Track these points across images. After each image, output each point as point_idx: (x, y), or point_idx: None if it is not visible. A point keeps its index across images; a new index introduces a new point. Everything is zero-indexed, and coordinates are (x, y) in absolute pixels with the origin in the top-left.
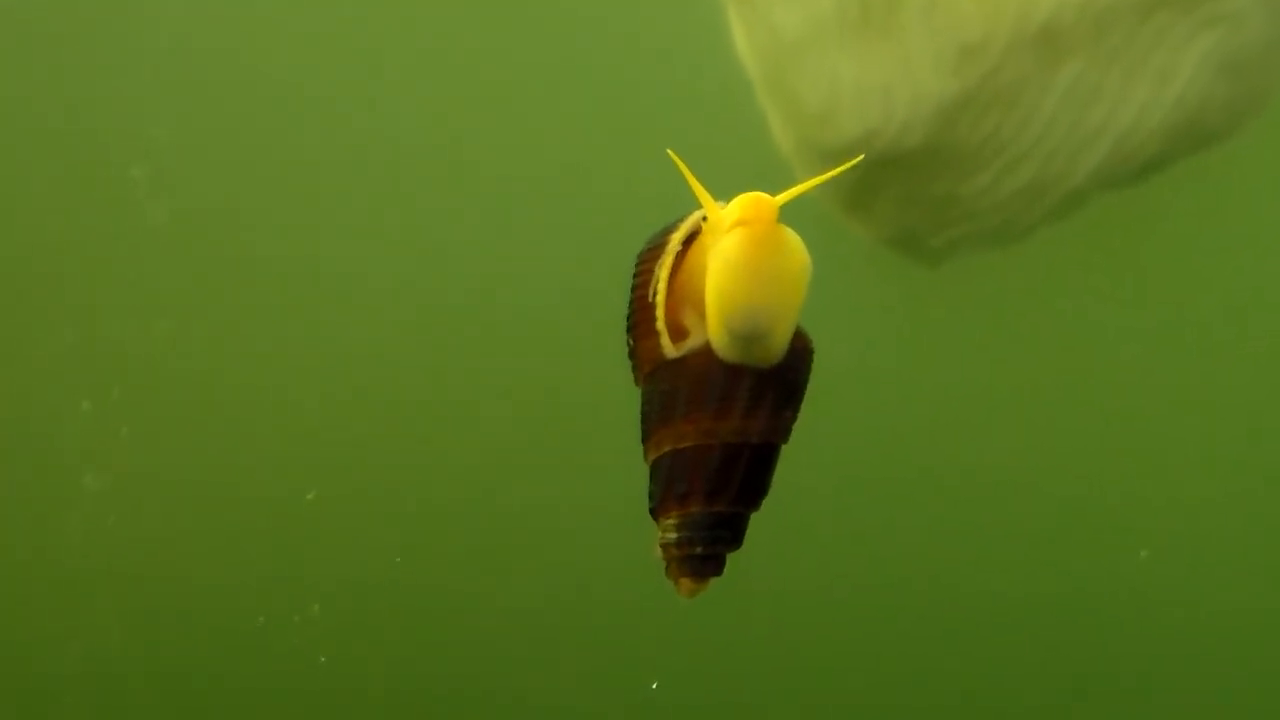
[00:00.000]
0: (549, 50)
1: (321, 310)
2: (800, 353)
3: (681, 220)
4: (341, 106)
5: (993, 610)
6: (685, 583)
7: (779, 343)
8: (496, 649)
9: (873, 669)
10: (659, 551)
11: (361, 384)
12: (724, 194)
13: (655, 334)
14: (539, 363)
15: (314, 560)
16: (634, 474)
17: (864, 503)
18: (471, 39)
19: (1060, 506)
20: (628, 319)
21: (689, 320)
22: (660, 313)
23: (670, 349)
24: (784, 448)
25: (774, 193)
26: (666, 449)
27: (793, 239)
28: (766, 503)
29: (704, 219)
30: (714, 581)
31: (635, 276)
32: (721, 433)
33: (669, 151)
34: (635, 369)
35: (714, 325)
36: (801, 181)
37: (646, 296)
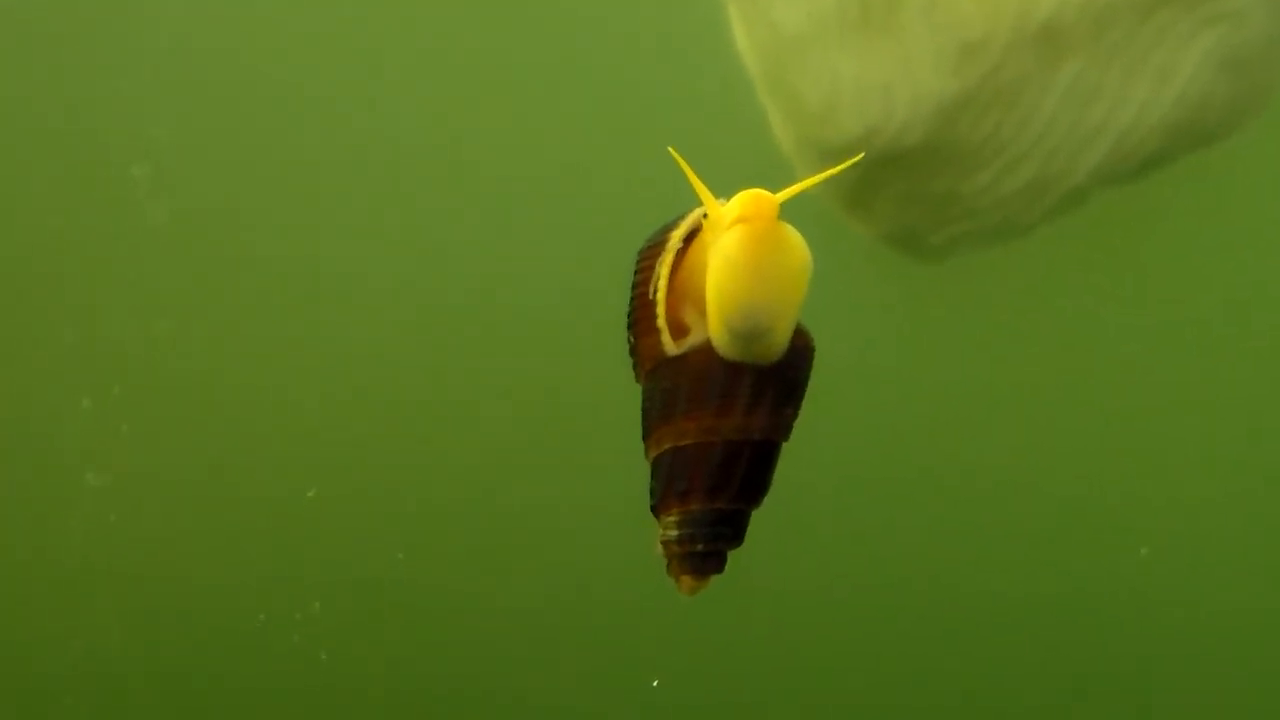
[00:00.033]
0: (548, 49)
1: (322, 309)
2: (801, 350)
3: (682, 217)
4: (342, 106)
5: (993, 610)
6: (686, 580)
7: (780, 340)
8: (497, 648)
9: (873, 668)
10: (660, 549)
11: (361, 384)
12: (724, 192)
13: (656, 331)
14: (539, 363)
15: (315, 558)
16: (634, 473)
17: (864, 501)
18: (471, 38)
19: (1060, 505)
20: (628, 316)
21: (690, 317)
22: (661, 310)
23: (671, 346)
24: (785, 445)
25: (774, 191)
26: (667, 446)
27: (793, 236)
28: (767, 500)
29: (704, 216)
30: (715, 579)
31: (636, 274)
32: (723, 430)
33: (670, 149)
34: (636, 366)
35: (715, 322)
36: (802, 180)
37: (647, 294)
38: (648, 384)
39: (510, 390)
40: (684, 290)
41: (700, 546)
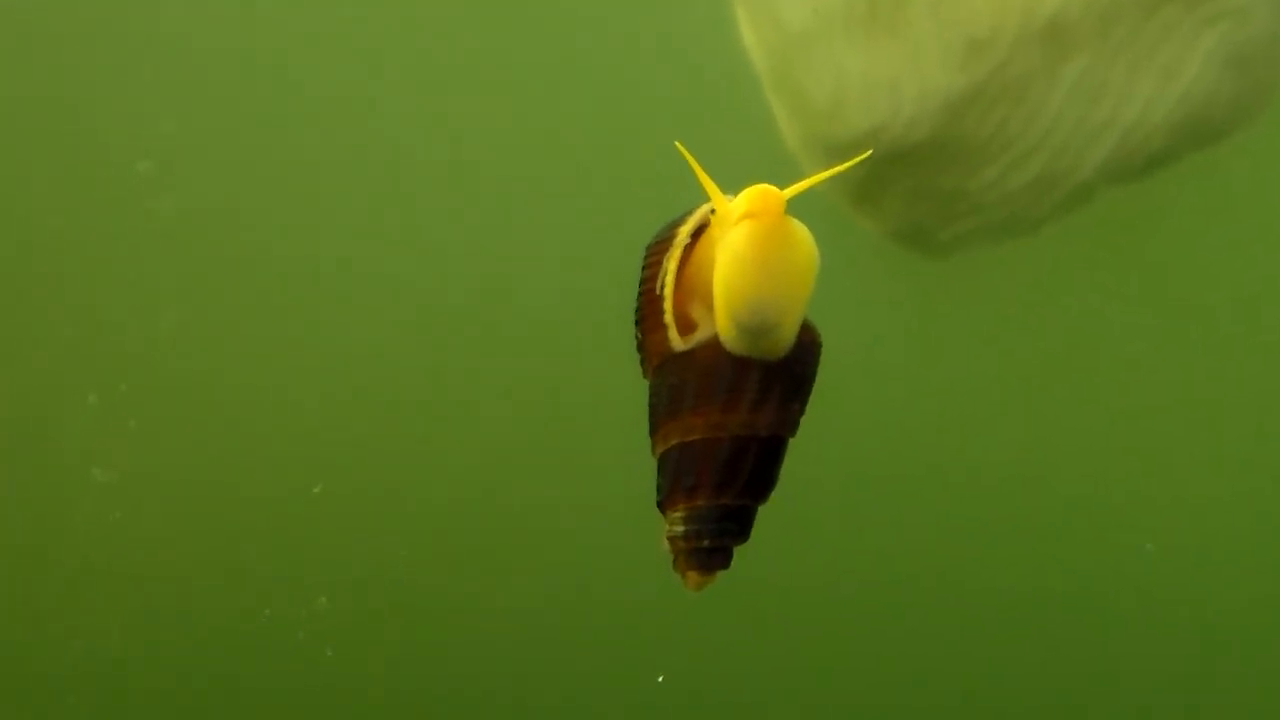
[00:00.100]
0: (553, 46)
1: (326, 307)
2: (808, 346)
3: (689, 213)
4: (344, 105)
5: (998, 606)
6: (692, 576)
7: (787, 335)
8: (499, 647)
9: (878, 664)
10: (666, 545)
11: (362, 383)
12: (731, 189)
13: (663, 327)
14: (539, 362)
15: (320, 555)
16: (635, 473)
17: (870, 497)
18: (475, 36)
19: (1066, 502)
20: (636, 312)
21: (697, 313)
22: (668, 305)
23: (678, 342)
24: (792, 441)
25: (781, 188)
26: (674, 442)
27: (800, 231)
28: (774, 496)
29: (712, 212)
30: (721, 575)
31: (643, 270)
32: (729, 425)
33: (677, 144)
34: (643, 362)
35: (722, 318)
36: (808, 176)
37: (654, 289)
38: (654, 379)
39: (510, 390)
40: (691, 286)
41: (706, 542)
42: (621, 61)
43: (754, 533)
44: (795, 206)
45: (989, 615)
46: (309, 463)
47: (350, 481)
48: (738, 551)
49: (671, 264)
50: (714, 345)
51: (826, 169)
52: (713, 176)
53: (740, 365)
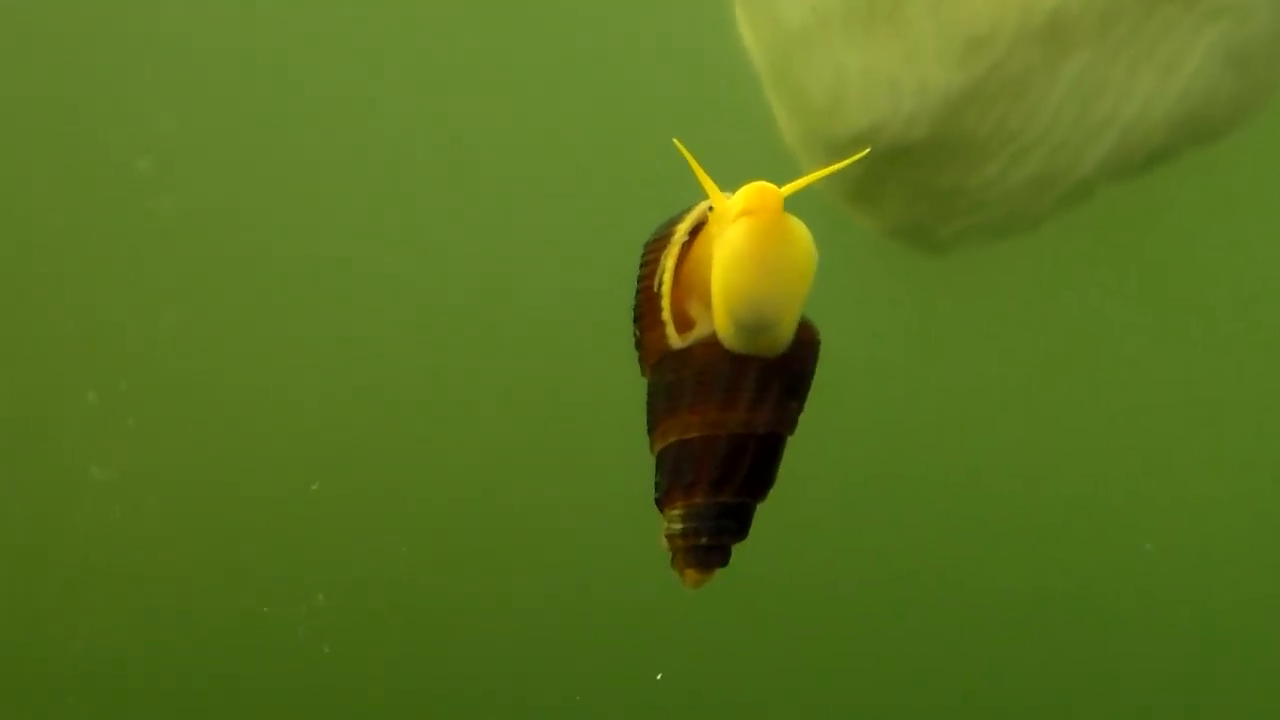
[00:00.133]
0: (552, 44)
1: (327, 306)
2: (807, 344)
3: (687, 211)
4: (344, 105)
5: (998, 606)
6: (690, 573)
7: (785, 333)
8: (498, 646)
9: (876, 663)
10: (664, 542)
11: (362, 383)
12: (730, 187)
13: (661, 324)
14: (539, 362)
15: (319, 553)
16: (634, 473)
17: (869, 495)
18: (475, 36)
19: (1066, 501)
20: (634, 310)
21: (695, 311)
22: (666, 303)
23: (676, 339)
24: (790, 439)
25: (780, 185)
26: (672, 439)
27: (798, 228)
28: (772, 494)
29: (710, 209)
30: (719, 572)
31: (641, 267)
32: (727, 423)
33: (675, 141)
34: (641, 360)
35: (720, 315)
36: (807, 174)
37: (652, 287)
38: (653, 377)
39: (510, 390)
40: (689, 283)
41: (705, 540)
42: (621, 61)
43: (752, 531)
44: (794, 204)
45: (989, 615)
46: (309, 462)
47: (350, 480)
48: (736, 550)
49: (669, 261)
50: (712, 343)
51: (826, 167)
52: (712, 174)
53: (738, 363)
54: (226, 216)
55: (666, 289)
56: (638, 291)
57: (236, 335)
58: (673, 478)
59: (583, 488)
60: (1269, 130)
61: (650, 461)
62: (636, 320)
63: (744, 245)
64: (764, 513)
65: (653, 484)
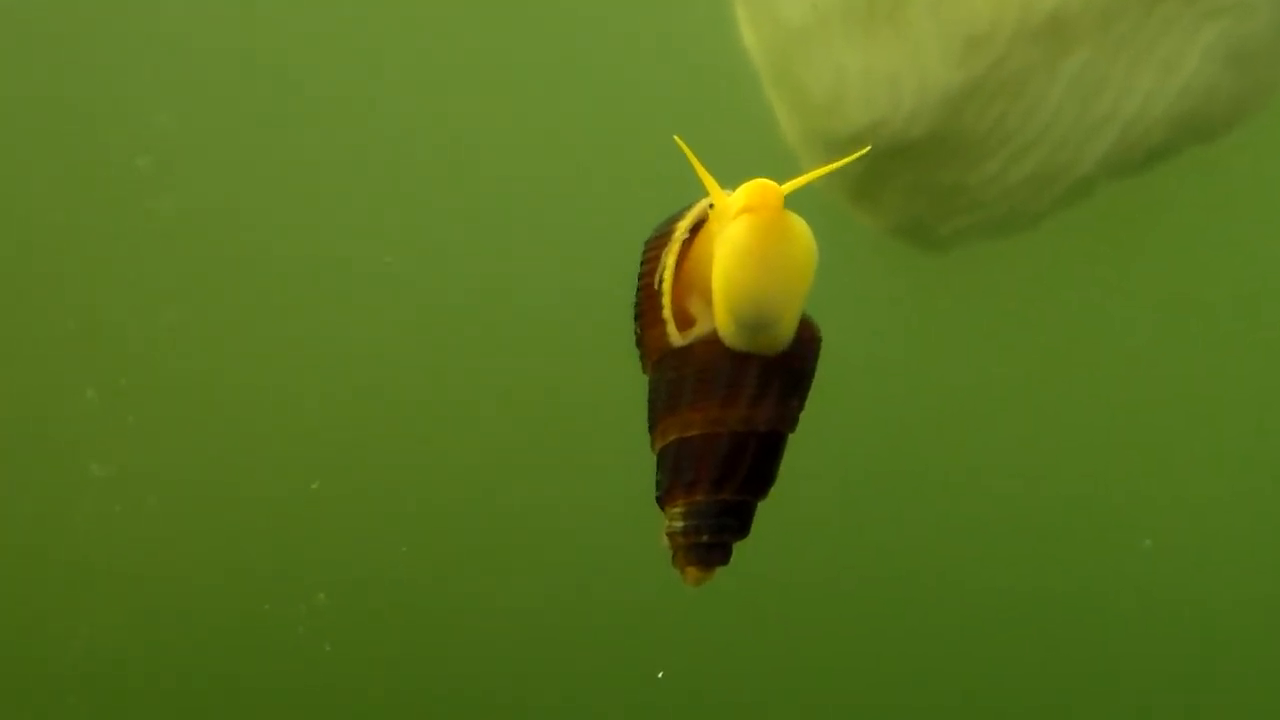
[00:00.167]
0: (551, 44)
1: (326, 307)
2: (808, 342)
3: (688, 208)
4: (344, 105)
5: (999, 606)
6: (691, 571)
7: (786, 330)
8: (498, 646)
9: (876, 662)
10: (665, 540)
11: (362, 383)
12: (731, 185)
13: (661, 322)
14: (539, 362)
15: (320, 551)
16: (635, 472)
17: (869, 493)
18: (475, 36)
19: (1066, 499)
20: (635, 307)
21: (696, 308)
22: (666, 300)
23: (676, 337)
24: (791, 437)
25: (781, 183)
26: (673, 437)
27: (799, 225)
28: (773, 492)
29: (710, 206)
30: (720, 571)
31: (642, 265)
32: (728, 421)
33: (675, 138)
34: (642, 357)
35: (721, 312)
36: (808, 172)
37: (653, 284)
38: (654, 375)
39: (510, 390)
40: (690, 281)
41: (705, 538)
42: (621, 60)
43: (753, 529)
44: (794, 202)
45: (989, 615)
46: (309, 461)
47: (350, 480)
48: (737, 548)
49: (670, 259)
50: (713, 340)
51: (826, 165)
52: (712, 173)
53: (739, 360)
54: (226, 216)
55: (667, 286)
56: (638, 289)
57: (236, 335)
58: (674, 475)
59: (583, 487)
60: (1269, 128)
61: (650, 460)
62: (637, 318)
63: (745, 242)
64: (764, 510)
65: (653, 482)
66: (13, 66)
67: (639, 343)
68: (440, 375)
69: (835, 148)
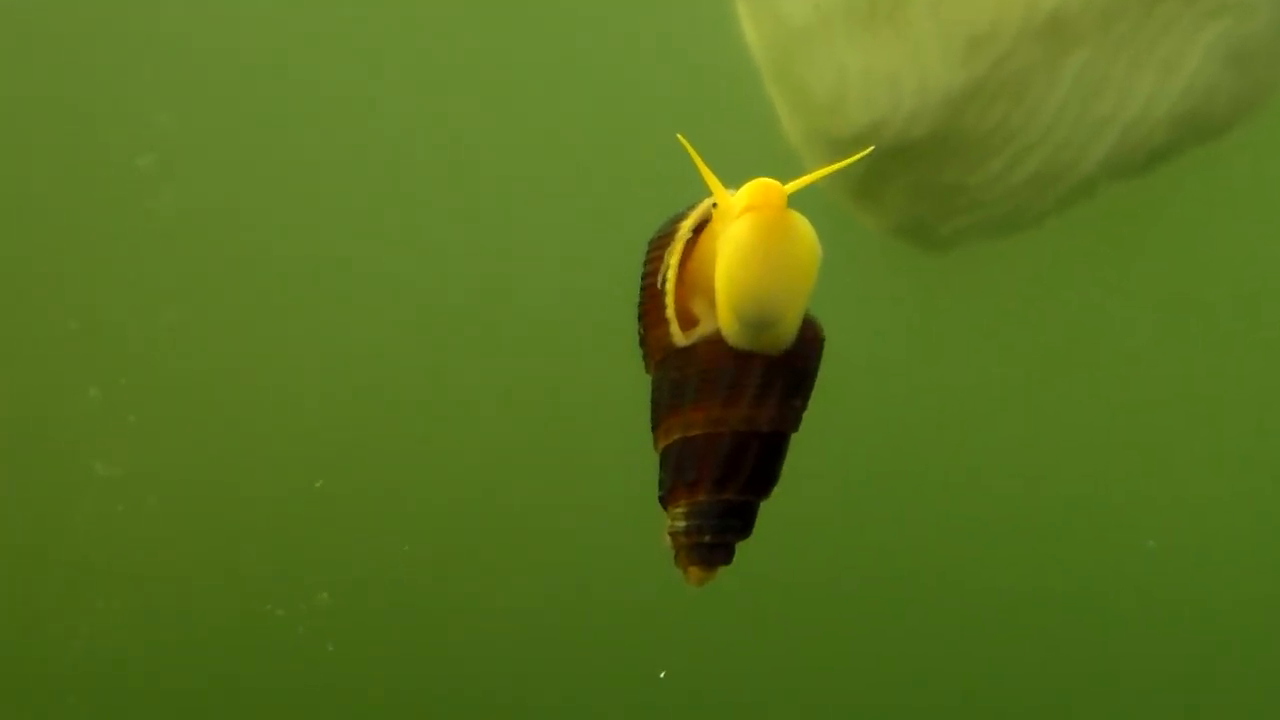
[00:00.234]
0: (553, 42)
1: (326, 307)
2: (811, 341)
3: (692, 208)
4: (344, 105)
5: (999, 606)
6: (694, 571)
7: (789, 329)
8: (498, 645)
9: (878, 663)
10: (668, 540)
11: (362, 383)
12: (733, 184)
13: (664, 322)
14: (539, 362)
15: (322, 551)
16: (635, 473)
17: (871, 493)
18: (475, 36)
19: (1067, 500)
20: (638, 307)
21: (699, 308)
22: (669, 300)
23: (679, 337)
24: (794, 437)
25: (783, 183)
26: (676, 437)
27: (802, 224)
28: (776, 492)
29: (714, 206)
30: (722, 571)
31: (645, 264)
32: (730, 421)
33: (679, 136)
34: (646, 357)
35: (724, 311)
36: (810, 172)
37: (656, 284)
38: (656, 375)
39: (510, 390)
40: (693, 281)
41: (708, 538)
42: (622, 60)
43: (755, 529)
44: (795, 202)
45: (989, 615)
46: (310, 460)
47: (351, 480)
48: (739, 548)
49: (673, 259)
50: (716, 340)
51: (828, 165)
52: (715, 172)
53: (742, 360)
54: (226, 216)
55: (670, 286)
56: (642, 289)
57: (236, 334)
58: (676, 475)
59: (584, 487)
60: (1270, 128)
61: (651, 461)
62: (640, 318)
63: (748, 241)
64: (767, 510)
65: (656, 482)
66: (13, 66)
67: (642, 342)
68: (440, 375)
69: (837, 147)
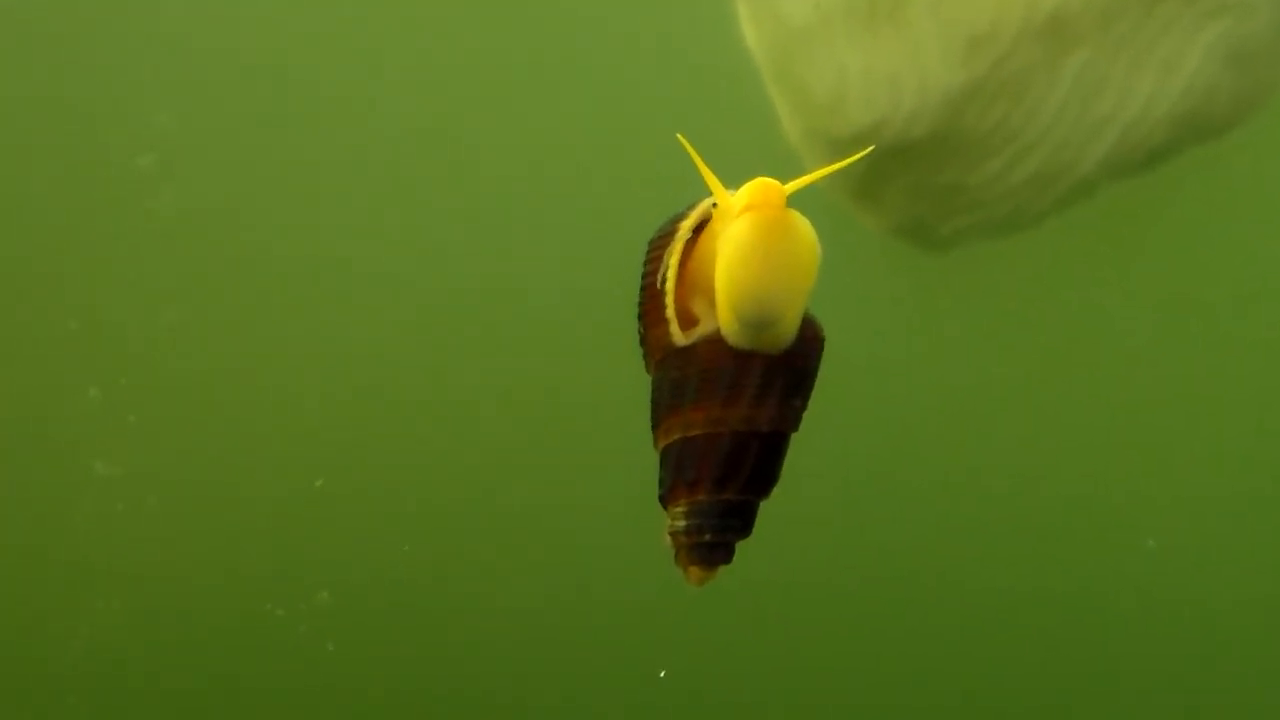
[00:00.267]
0: (552, 44)
1: (326, 306)
2: (811, 341)
3: (692, 207)
4: (344, 105)
5: (997, 606)
6: (694, 571)
7: (788, 328)
8: (498, 645)
9: (878, 663)
10: (668, 539)
11: (362, 382)
12: (733, 184)
13: (664, 321)
14: (539, 362)
15: (323, 550)
16: (635, 473)
17: (871, 493)
18: (475, 36)
19: (1066, 500)
20: (638, 306)
21: (699, 308)
22: (669, 300)
23: (679, 337)
24: (794, 436)
25: (783, 183)
26: (676, 437)
27: (802, 224)
28: (776, 492)
29: (714, 205)
30: (721, 571)
31: (645, 264)
32: (730, 420)
33: (679, 136)
34: (646, 357)
35: (724, 310)
36: (810, 172)
37: (656, 284)
38: (657, 374)
39: (510, 390)
40: (693, 280)
41: (708, 537)
42: (622, 60)
43: (755, 529)
44: (795, 202)
45: (989, 615)
46: (310, 460)
47: (351, 479)
48: (739, 548)
49: (673, 259)
50: (716, 340)
51: (828, 164)
52: (715, 172)
53: (742, 360)
54: (226, 216)
55: (670, 286)
56: (642, 289)
57: (236, 334)
58: (676, 475)
59: (584, 487)
60: (1270, 128)
61: (651, 461)
62: (641, 317)
63: (747, 240)
64: (767, 510)
65: (656, 482)
66: (13, 66)
67: (642, 342)
68: (440, 375)
69: (837, 147)
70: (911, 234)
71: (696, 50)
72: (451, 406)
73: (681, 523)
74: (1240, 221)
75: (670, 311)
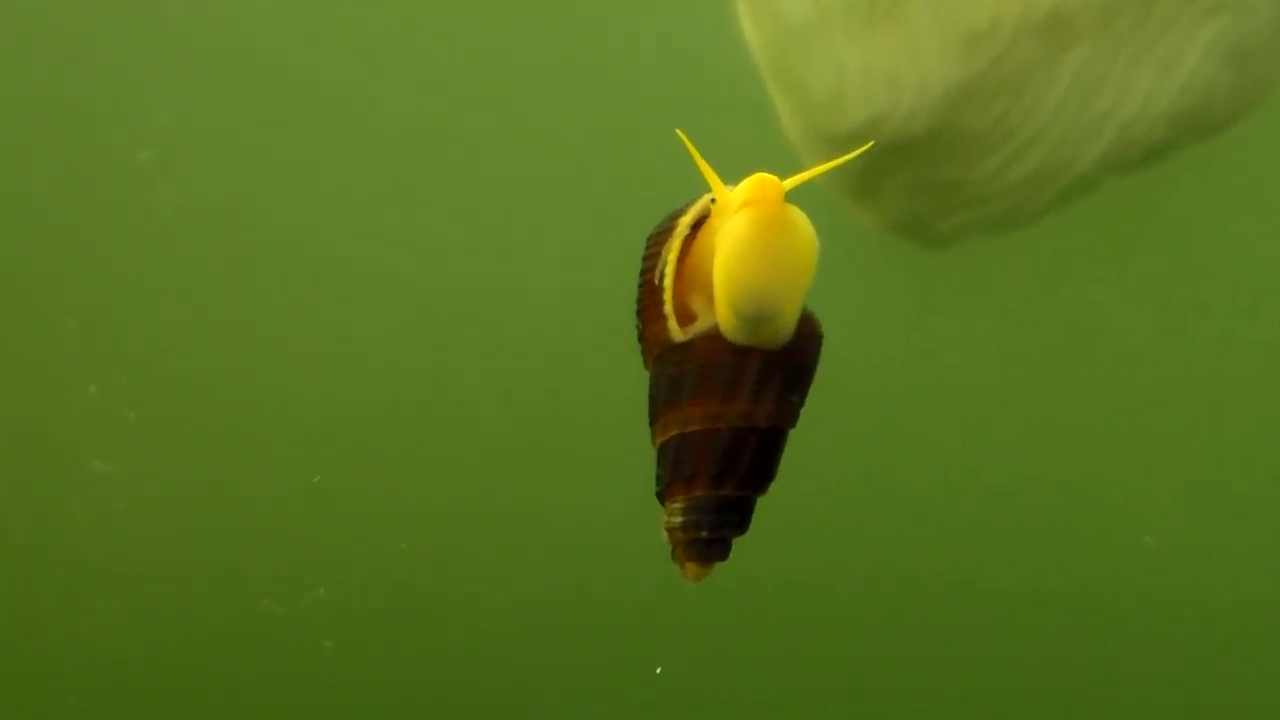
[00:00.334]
0: (552, 43)
1: (326, 306)
2: (809, 337)
3: (691, 204)
4: (344, 105)
5: (997, 606)
6: (691, 567)
7: (786, 324)
8: (498, 644)
9: (878, 662)
10: (665, 535)
11: (362, 382)
12: (731, 181)
13: (663, 318)
14: (539, 362)
15: (320, 548)
16: (634, 473)
17: (869, 490)
18: (475, 36)
19: (1066, 499)
20: (637, 302)
21: (697, 304)
22: (668, 296)
23: (677, 332)
24: (792, 432)
25: (782, 179)
26: (673, 432)
27: (800, 219)
28: (773, 488)
29: (712, 201)
30: (718, 568)
31: (644, 260)
32: (728, 416)
33: (678, 132)
34: (644, 352)
35: (722, 305)
36: (809, 168)
37: (654, 280)
38: (655, 370)
39: (510, 390)
40: (692, 277)
41: (705, 533)
42: (622, 58)
43: (752, 526)
44: (794, 199)
45: (989, 615)
46: (309, 459)
47: (350, 478)
48: (736, 546)
49: (671, 255)
50: (714, 336)
51: (827, 161)
52: (714, 169)
53: (740, 356)
54: (226, 215)
55: (669, 282)
56: (640, 285)
57: (236, 332)
58: (673, 470)
59: (583, 486)
60: (1268, 126)
61: (649, 459)
62: (639, 313)
63: (746, 235)
64: (764, 506)
65: (654, 477)
66: (13, 66)
67: (641, 338)
68: (439, 374)
69: (836, 144)
70: (910, 231)
71: (696, 48)
72: (450, 405)
73: (678, 518)
74: (1239, 219)
75: (668, 307)
